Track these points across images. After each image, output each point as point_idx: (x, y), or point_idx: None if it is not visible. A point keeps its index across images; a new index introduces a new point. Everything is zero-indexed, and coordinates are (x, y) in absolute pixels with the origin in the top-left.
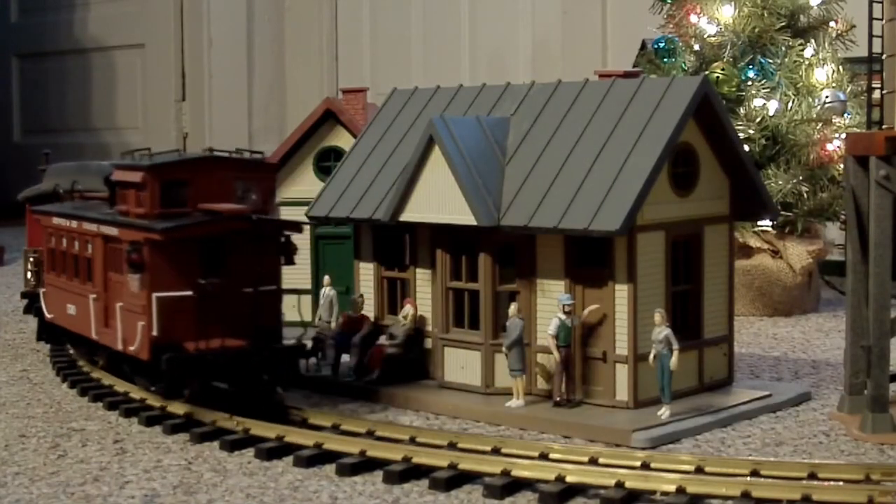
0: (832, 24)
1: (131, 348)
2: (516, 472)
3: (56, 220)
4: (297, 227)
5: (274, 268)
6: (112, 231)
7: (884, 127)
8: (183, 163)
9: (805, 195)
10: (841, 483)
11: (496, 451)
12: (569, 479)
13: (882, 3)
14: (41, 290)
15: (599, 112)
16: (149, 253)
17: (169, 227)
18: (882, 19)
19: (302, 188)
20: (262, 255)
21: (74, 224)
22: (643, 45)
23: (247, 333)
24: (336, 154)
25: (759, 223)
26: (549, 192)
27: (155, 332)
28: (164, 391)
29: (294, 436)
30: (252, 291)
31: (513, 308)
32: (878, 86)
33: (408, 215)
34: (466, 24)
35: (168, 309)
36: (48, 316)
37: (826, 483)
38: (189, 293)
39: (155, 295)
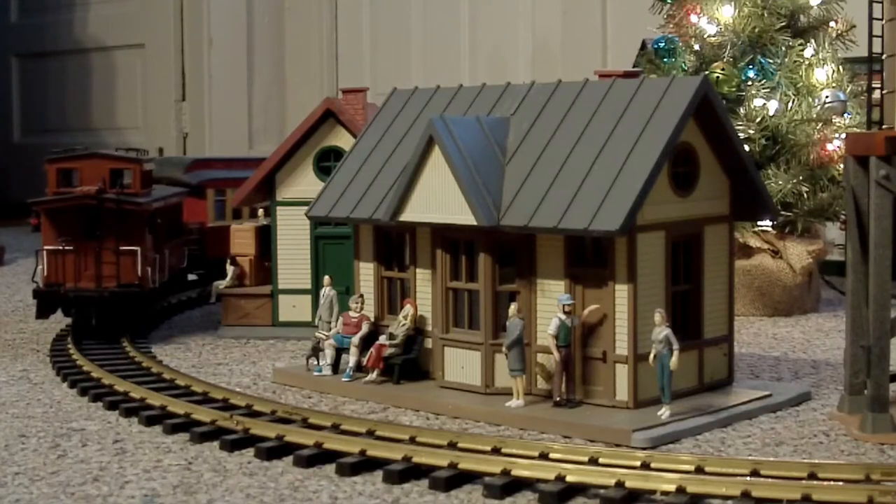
0: (832, 24)
1: None
2: (516, 472)
3: None
4: (138, 205)
5: (137, 234)
6: None
7: (884, 127)
8: (73, 156)
9: (805, 195)
10: (841, 483)
11: (496, 451)
12: (569, 478)
13: (882, 3)
14: None
15: (599, 112)
16: (42, 219)
17: (39, 201)
18: (882, 19)
19: (302, 188)
20: (124, 224)
21: None
22: (643, 45)
23: (103, 281)
24: (336, 154)
25: (759, 223)
26: (549, 192)
27: (45, 274)
28: (35, 313)
29: (294, 435)
30: (113, 250)
31: (513, 308)
32: (878, 86)
33: (408, 215)
34: (466, 24)
35: (51, 258)
36: None
37: (826, 483)
38: (62, 248)
39: (44, 248)
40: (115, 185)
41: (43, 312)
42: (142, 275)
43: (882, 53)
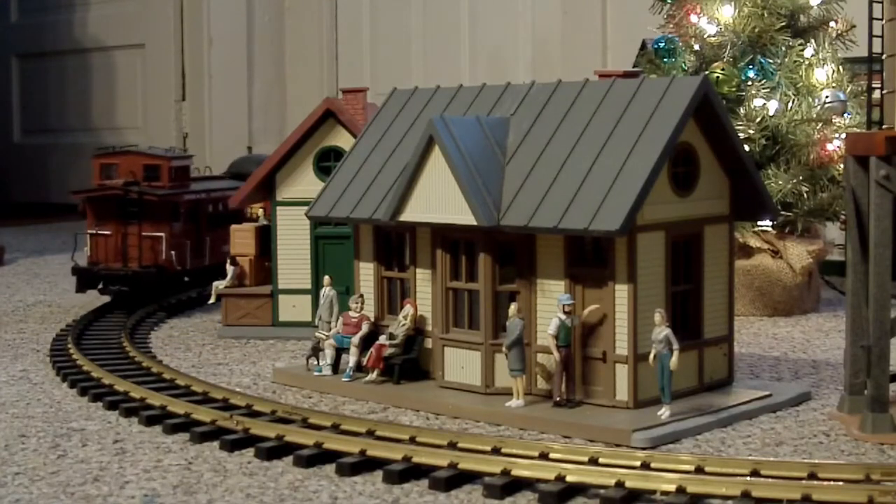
0: (832, 24)
1: None
2: (516, 472)
3: None
4: (158, 196)
5: (161, 222)
6: None
7: (884, 127)
8: (113, 153)
9: (805, 195)
10: (841, 483)
11: (496, 451)
12: (569, 478)
13: (882, 3)
14: None
15: (599, 112)
16: (86, 207)
17: (78, 191)
18: (882, 19)
19: (302, 188)
20: (148, 213)
21: None
22: (643, 45)
23: (129, 261)
24: (336, 154)
25: (759, 223)
26: (549, 192)
27: (89, 254)
28: (75, 288)
29: (294, 435)
30: (138, 235)
31: (513, 308)
32: (878, 86)
33: (408, 215)
34: (466, 24)
35: (94, 241)
36: None
37: (826, 483)
38: (97, 232)
39: (88, 231)
40: (146, 178)
41: (82, 287)
42: (165, 258)
43: (882, 53)
